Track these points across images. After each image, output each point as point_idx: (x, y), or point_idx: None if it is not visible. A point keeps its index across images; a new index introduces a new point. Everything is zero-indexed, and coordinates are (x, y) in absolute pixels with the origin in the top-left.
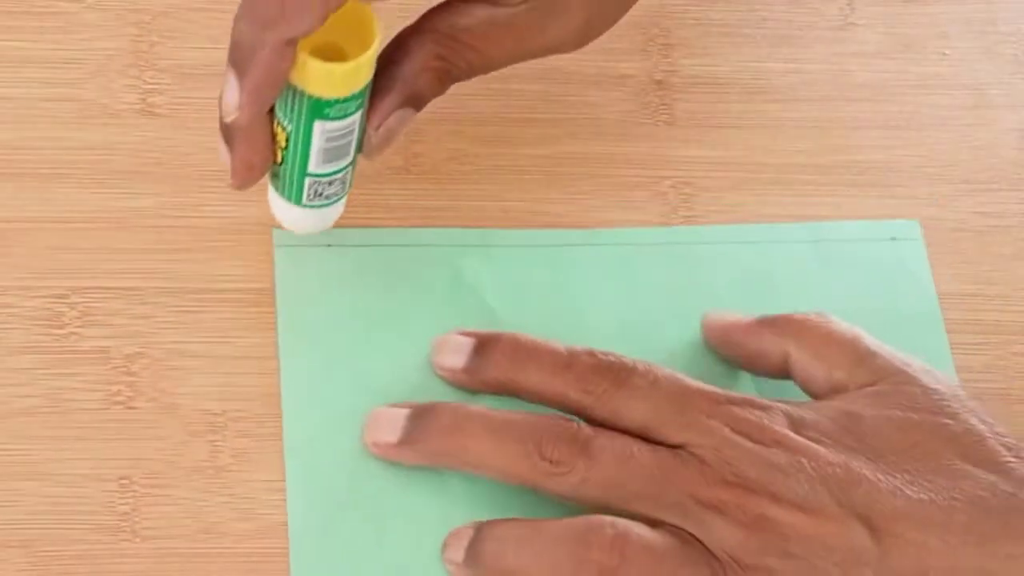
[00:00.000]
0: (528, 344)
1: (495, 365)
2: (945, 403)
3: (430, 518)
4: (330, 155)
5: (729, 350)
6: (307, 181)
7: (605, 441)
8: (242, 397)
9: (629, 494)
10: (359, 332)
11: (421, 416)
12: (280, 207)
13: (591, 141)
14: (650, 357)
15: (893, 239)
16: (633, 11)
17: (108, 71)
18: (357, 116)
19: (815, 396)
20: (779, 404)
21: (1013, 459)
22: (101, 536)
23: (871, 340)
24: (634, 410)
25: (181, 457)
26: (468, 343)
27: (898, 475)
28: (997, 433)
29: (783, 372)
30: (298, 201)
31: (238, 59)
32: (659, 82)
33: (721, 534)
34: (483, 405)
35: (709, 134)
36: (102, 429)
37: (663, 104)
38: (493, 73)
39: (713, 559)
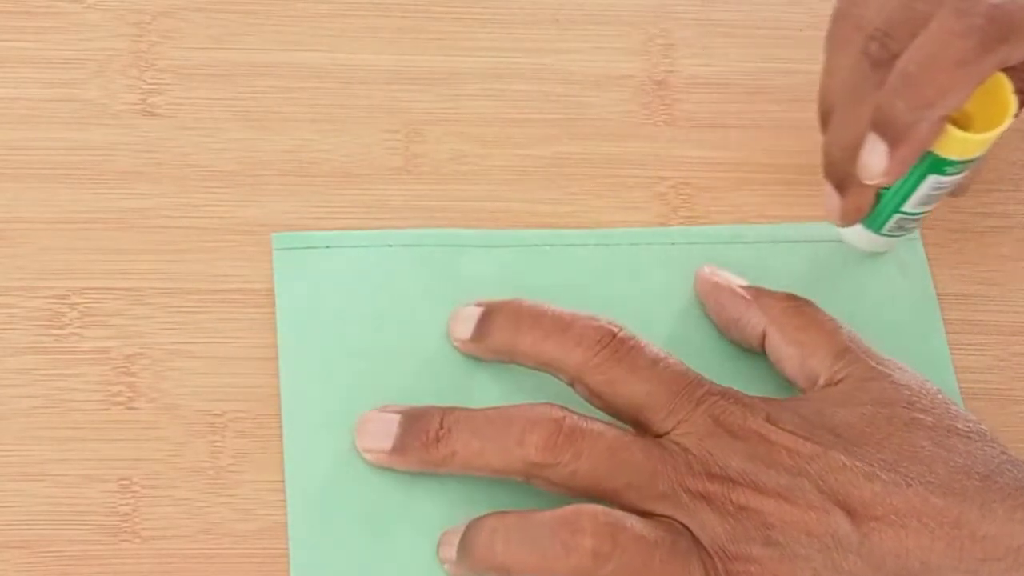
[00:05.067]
0: (530, 308)
1: (498, 329)
2: (916, 398)
3: (429, 518)
4: (928, 200)
5: (712, 309)
6: (895, 217)
7: (594, 431)
8: (242, 398)
9: (620, 485)
10: (358, 333)
11: (411, 423)
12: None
13: (591, 141)
14: None
15: None
16: (633, 11)
17: (108, 71)
18: (967, 171)
19: (786, 378)
20: (759, 401)
21: (985, 446)
22: (101, 537)
23: (847, 334)
24: (630, 385)
25: (181, 458)
26: (476, 312)
27: (875, 463)
28: (969, 423)
29: (758, 347)
30: (877, 230)
31: (892, 132)
32: (659, 82)
33: (708, 524)
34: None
35: (709, 134)
36: (102, 430)
37: (663, 104)
38: (493, 73)
39: (702, 549)
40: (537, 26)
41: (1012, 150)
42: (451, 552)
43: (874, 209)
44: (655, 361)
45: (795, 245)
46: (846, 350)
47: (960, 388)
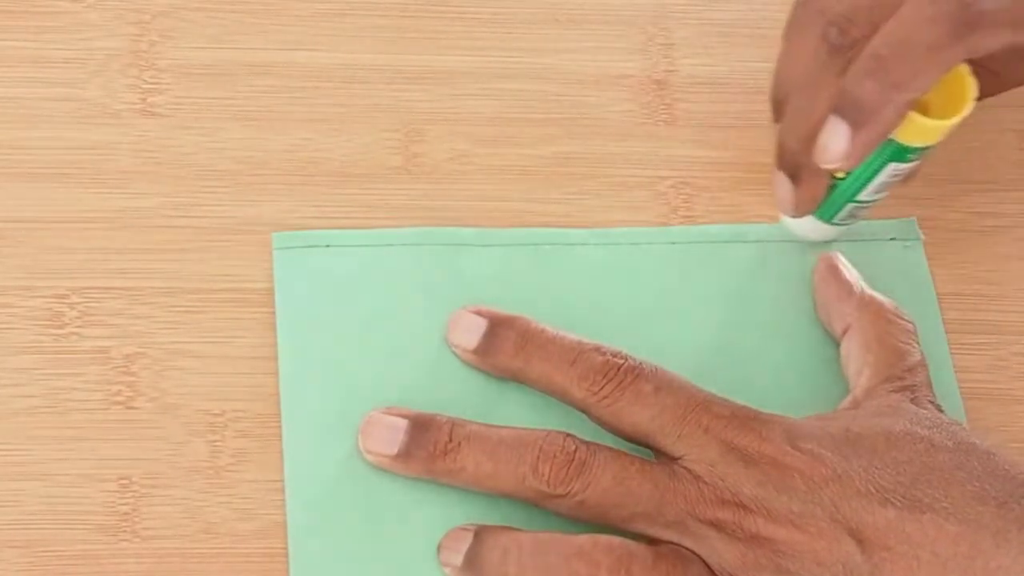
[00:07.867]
0: (537, 334)
1: (503, 351)
2: (937, 429)
3: (429, 518)
4: (884, 188)
5: (816, 286)
6: (849, 206)
7: (602, 462)
8: (242, 397)
9: (628, 513)
10: (358, 332)
11: (419, 431)
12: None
13: (591, 141)
14: (648, 358)
15: (892, 239)
16: (633, 11)
17: (108, 71)
18: (922, 160)
19: (846, 373)
20: (778, 418)
21: (1007, 465)
22: (101, 536)
23: (916, 360)
24: (635, 415)
25: (181, 457)
26: (482, 324)
27: (890, 487)
28: (989, 451)
29: (839, 336)
30: (828, 220)
31: (857, 114)
32: (659, 82)
33: (719, 551)
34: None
35: (709, 134)
36: (102, 429)
37: (663, 104)
38: (493, 73)
39: None
40: (537, 26)
41: (1012, 150)
42: (456, 559)
43: (827, 198)
44: (659, 387)
45: (795, 245)
46: (901, 377)
47: (960, 388)
